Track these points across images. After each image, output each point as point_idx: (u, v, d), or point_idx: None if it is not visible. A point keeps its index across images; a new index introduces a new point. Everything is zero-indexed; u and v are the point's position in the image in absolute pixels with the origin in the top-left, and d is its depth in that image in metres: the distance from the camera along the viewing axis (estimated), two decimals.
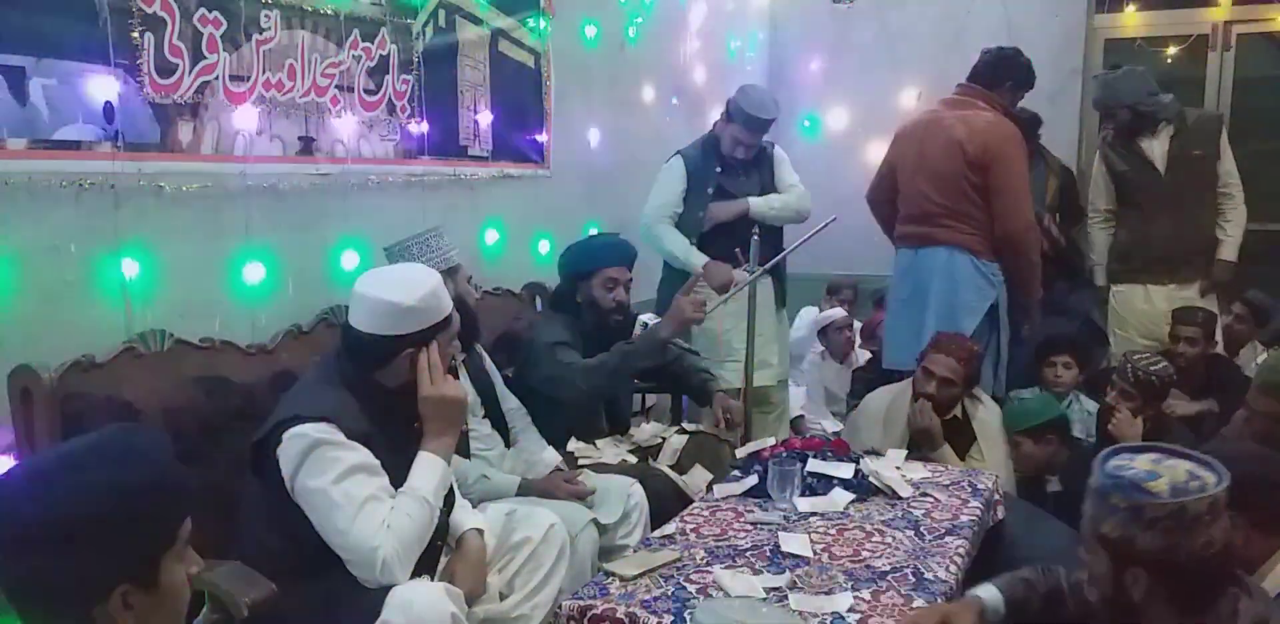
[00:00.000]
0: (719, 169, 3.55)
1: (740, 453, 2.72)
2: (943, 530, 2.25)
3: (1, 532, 1.09)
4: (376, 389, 1.95)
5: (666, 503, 2.61)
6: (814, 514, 2.32)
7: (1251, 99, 4.96)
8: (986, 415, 3.16)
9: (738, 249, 3.34)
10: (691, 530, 2.24)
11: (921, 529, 2.25)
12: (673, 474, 2.80)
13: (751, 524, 2.27)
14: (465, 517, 2.11)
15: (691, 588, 1.93)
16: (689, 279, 3.10)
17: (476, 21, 3.29)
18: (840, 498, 2.39)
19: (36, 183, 1.96)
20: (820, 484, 2.44)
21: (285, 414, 1.85)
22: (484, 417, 2.64)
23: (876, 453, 2.76)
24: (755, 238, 3.29)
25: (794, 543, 2.13)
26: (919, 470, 2.65)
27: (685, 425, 3.21)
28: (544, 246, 3.70)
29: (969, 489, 2.53)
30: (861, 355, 4.62)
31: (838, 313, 4.61)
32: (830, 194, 3.97)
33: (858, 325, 4.75)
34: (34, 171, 1.95)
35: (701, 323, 3.07)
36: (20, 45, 1.93)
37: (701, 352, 3.37)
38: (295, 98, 2.57)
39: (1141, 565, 1.48)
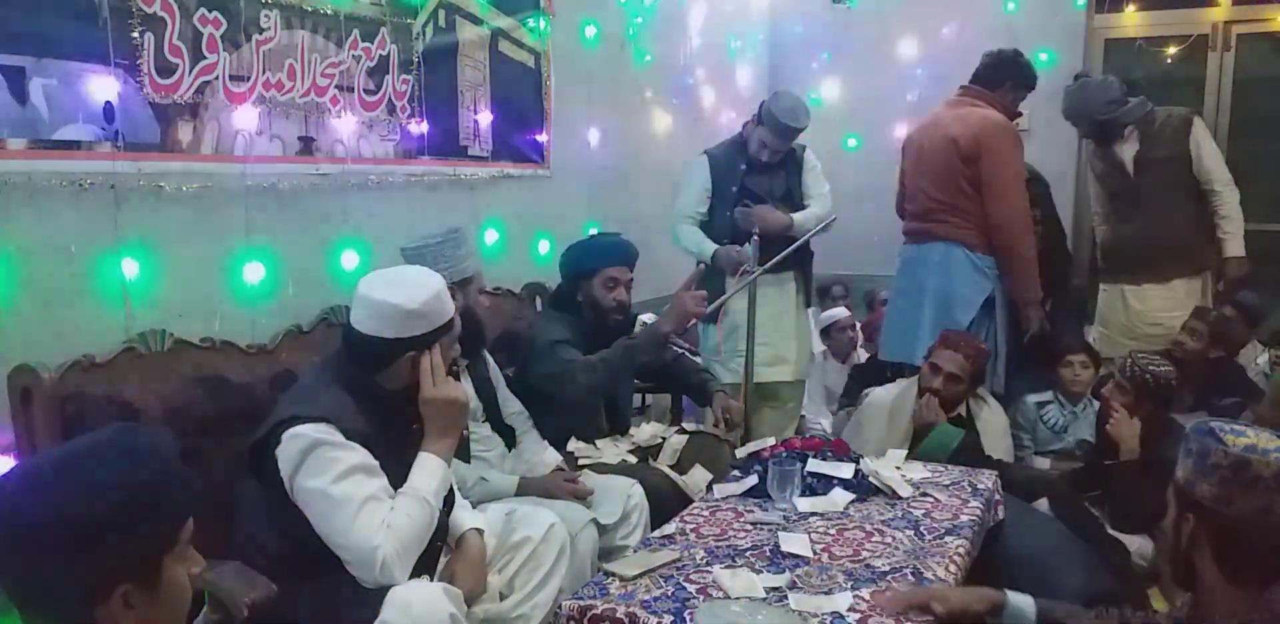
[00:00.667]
0: (744, 168, 3.57)
1: (740, 453, 2.71)
2: (943, 530, 2.25)
3: (3, 531, 1.09)
4: (376, 390, 1.96)
5: (666, 503, 2.61)
6: (814, 514, 2.32)
7: (1251, 99, 4.96)
8: (990, 416, 3.15)
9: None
10: (691, 530, 2.23)
11: (921, 529, 2.25)
12: (673, 474, 2.80)
13: (751, 524, 2.27)
14: (465, 517, 2.11)
15: (691, 588, 1.93)
16: (689, 274, 3.10)
17: (476, 21, 3.29)
18: (840, 498, 2.39)
19: (36, 183, 1.96)
20: (820, 484, 2.44)
21: (284, 414, 1.85)
22: (484, 421, 2.64)
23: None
24: (755, 238, 3.32)
25: (794, 543, 2.12)
26: (919, 470, 2.66)
27: (685, 425, 3.22)
28: (544, 246, 3.70)
29: (969, 489, 2.53)
30: (862, 355, 4.62)
31: (841, 313, 4.61)
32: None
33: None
34: (34, 171, 1.95)
35: (702, 318, 3.07)
36: (20, 45, 1.93)
37: (721, 343, 3.37)
38: (295, 98, 2.57)
39: (1193, 511, 1.46)
